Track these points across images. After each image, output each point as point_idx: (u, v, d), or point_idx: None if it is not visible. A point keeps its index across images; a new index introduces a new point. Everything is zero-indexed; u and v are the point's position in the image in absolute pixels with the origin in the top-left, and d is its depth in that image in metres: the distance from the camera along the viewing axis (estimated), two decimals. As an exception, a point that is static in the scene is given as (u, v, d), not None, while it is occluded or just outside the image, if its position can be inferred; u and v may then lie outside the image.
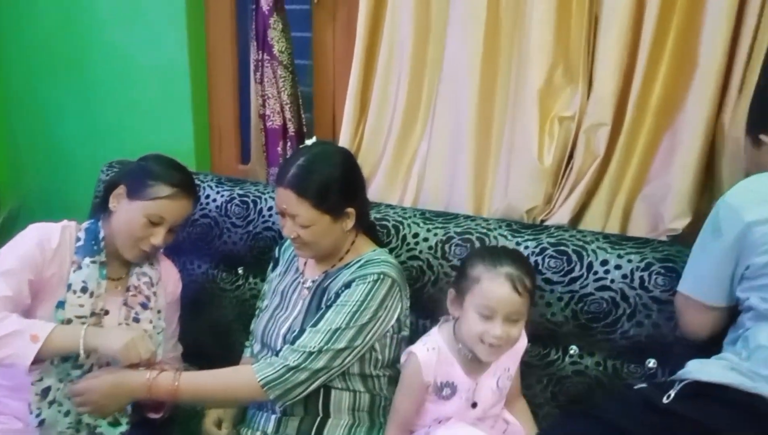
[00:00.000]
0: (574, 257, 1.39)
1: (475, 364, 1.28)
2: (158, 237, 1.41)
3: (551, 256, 1.41)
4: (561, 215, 1.52)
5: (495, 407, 1.32)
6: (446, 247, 1.50)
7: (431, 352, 1.27)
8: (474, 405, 1.28)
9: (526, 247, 1.43)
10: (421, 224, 1.56)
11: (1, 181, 2.50)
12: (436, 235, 1.52)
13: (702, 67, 1.37)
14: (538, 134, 1.49)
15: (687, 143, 1.40)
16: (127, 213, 1.41)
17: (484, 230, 1.49)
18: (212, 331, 1.84)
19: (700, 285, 1.22)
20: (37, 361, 1.24)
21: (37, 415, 1.31)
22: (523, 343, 1.34)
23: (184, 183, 1.46)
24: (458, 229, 1.51)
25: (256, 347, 1.48)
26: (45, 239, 1.37)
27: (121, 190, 1.43)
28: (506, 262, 1.21)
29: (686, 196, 1.43)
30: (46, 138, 2.52)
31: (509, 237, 1.46)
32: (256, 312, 1.59)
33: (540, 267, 1.41)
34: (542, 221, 1.55)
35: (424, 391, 1.28)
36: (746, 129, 1.29)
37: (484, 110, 1.58)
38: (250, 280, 1.80)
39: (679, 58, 1.39)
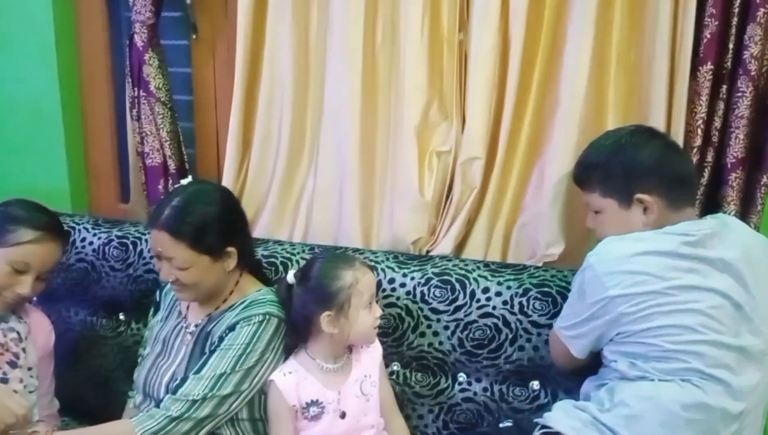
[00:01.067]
0: (458, 286, 1.44)
1: (334, 376, 1.32)
2: (25, 286, 1.33)
3: (436, 286, 1.45)
4: (444, 245, 1.57)
5: (366, 417, 1.33)
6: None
7: (289, 376, 1.29)
8: (343, 415, 1.30)
9: (413, 278, 1.47)
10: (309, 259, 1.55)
11: None
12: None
13: (563, 105, 1.48)
14: (417, 168, 1.54)
15: (555, 174, 1.49)
16: None
17: (372, 263, 1.50)
18: (92, 381, 1.74)
19: (569, 334, 1.26)
20: None
21: None
22: (378, 349, 1.39)
23: (50, 225, 1.38)
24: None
25: (138, 398, 1.41)
26: None
27: None
28: (350, 258, 1.36)
29: (558, 224, 1.51)
30: None
31: (396, 269, 1.49)
32: (139, 359, 1.52)
33: (426, 297, 1.45)
34: (428, 252, 1.59)
35: (292, 416, 1.29)
36: (603, 191, 1.28)
37: (366, 146, 1.60)
38: (132, 325, 1.72)
39: (544, 97, 1.49)
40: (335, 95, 1.60)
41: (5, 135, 2.10)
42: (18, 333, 1.40)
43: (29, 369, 1.40)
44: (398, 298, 1.47)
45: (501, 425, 1.31)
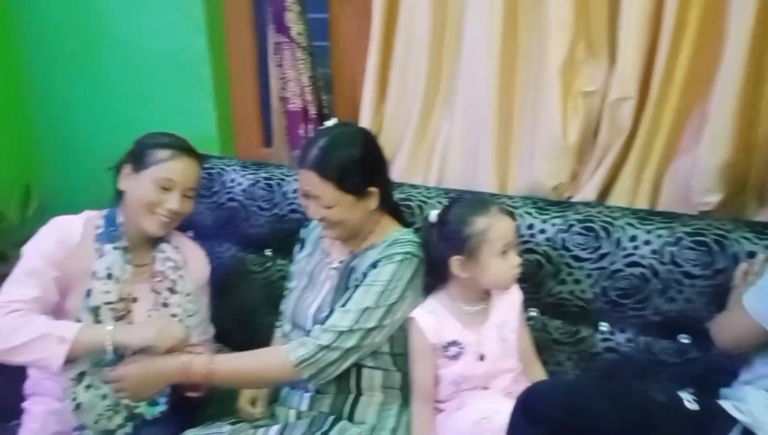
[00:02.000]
0: (602, 233, 1.38)
1: (473, 318, 1.33)
2: (173, 201, 1.42)
3: (579, 233, 1.40)
4: (588, 191, 1.51)
5: (505, 360, 1.34)
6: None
7: (429, 315, 1.32)
8: (481, 357, 1.31)
9: (553, 225, 1.43)
10: (446, 203, 1.55)
11: (31, 173, 2.54)
12: (463, 213, 1.52)
13: (730, 40, 1.34)
14: (560, 111, 1.48)
15: (718, 117, 1.37)
16: (137, 186, 1.42)
17: (510, 208, 1.47)
18: (242, 313, 1.85)
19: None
20: (68, 361, 1.27)
21: (74, 399, 1.35)
22: (518, 296, 1.39)
23: (182, 144, 1.47)
24: (482, 208, 1.51)
25: (287, 327, 1.50)
26: (66, 234, 1.40)
27: (127, 169, 1.45)
28: (489, 203, 1.31)
29: (718, 171, 1.40)
30: (70, 128, 2.54)
31: (535, 214, 1.46)
32: (285, 293, 1.61)
33: (567, 244, 1.41)
34: (569, 198, 1.54)
35: (432, 354, 1.31)
36: None
37: (505, 88, 1.56)
38: (278, 261, 1.81)
39: (706, 31, 1.37)
40: (474, 37, 1.56)
41: (154, 85, 2.24)
42: (175, 262, 1.51)
43: (187, 295, 1.51)
44: (537, 245, 1.44)
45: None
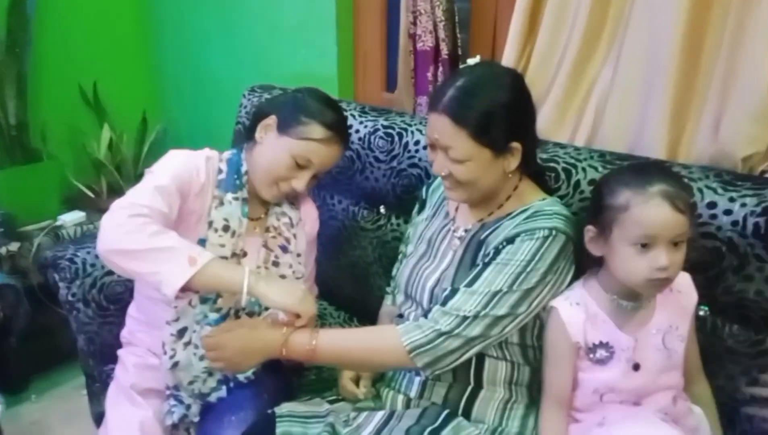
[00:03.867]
0: (812, 221, 1.07)
1: (631, 318, 1.08)
2: (301, 181, 1.28)
3: (778, 219, 1.09)
4: (791, 166, 1.18)
5: (666, 374, 1.08)
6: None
7: (575, 308, 1.08)
8: (636, 367, 1.06)
9: (743, 205, 1.12)
10: (600, 169, 1.28)
11: (148, 105, 2.52)
12: (619, 183, 1.25)
13: None
14: (770, 59, 1.15)
15: None
16: (273, 148, 1.27)
17: (685, 180, 1.18)
18: (350, 271, 1.73)
19: None
20: (185, 289, 1.10)
21: (171, 356, 1.25)
22: (693, 297, 1.12)
23: (339, 127, 1.30)
24: (649, 177, 1.22)
25: (399, 298, 1.32)
26: (194, 169, 1.26)
27: (272, 120, 1.29)
28: (656, 179, 1.01)
29: None
30: (190, 62, 2.51)
31: (719, 190, 1.15)
32: (399, 257, 1.43)
33: (762, 231, 1.10)
34: (763, 172, 1.22)
35: (573, 354, 1.08)
36: None
37: (694, 30, 1.24)
38: (392, 220, 1.64)
39: None
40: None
41: (280, 18, 2.13)
42: (290, 218, 1.39)
43: (298, 255, 1.39)
44: (719, 229, 1.14)
45: None
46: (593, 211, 1.07)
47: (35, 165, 2.17)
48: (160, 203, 1.16)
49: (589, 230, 1.07)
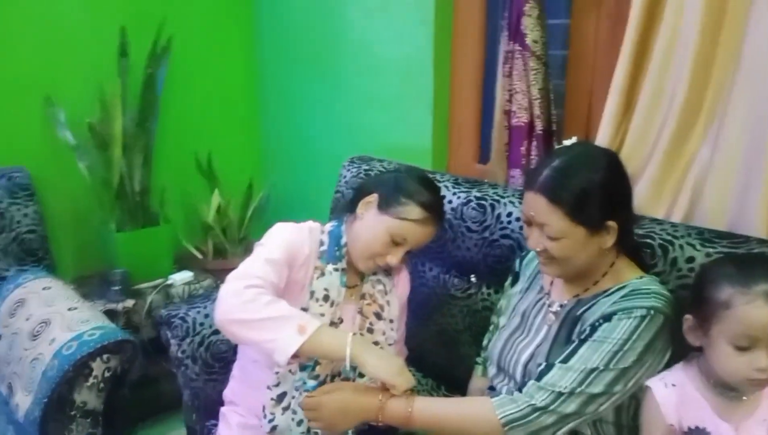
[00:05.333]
0: None
1: (731, 407, 1.04)
2: (396, 257, 1.33)
3: None
4: None
5: None
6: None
7: (670, 389, 1.06)
8: None
9: None
10: (698, 247, 1.26)
11: (254, 173, 2.69)
12: (718, 261, 1.22)
13: None
14: None
15: None
16: (372, 225, 1.34)
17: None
18: (439, 338, 1.74)
19: None
20: (295, 356, 1.15)
21: (270, 420, 1.30)
22: None
23: (436, 208, 1.36)
24: (750, 257, 1.19)
25: (491, 370, 1.33)
26: (299, 243, 1.34)
27: (373, 198, 1.36)
28: (761, 276, 0.97)
29: None
30: (293, 134, 2.67)
31: (827, 273, 1.11)
32: (491, 327, 1.45)
33: None
34: None
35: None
36: None
37: (796, 109, 1.23)
38: (483, 289, 1.66)
39: None
40: (759, 43, 1.25)
41: (379, 92, 2.24)
42: (384, 285, 1.44)
43: (391, 321, 1.43)
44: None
45: None
46: (693, 300, 1.06)
47: (153, 228, 2.36)
48: (271, 274, 1.24)
49: (688, 320, 1.05)
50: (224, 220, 2.51)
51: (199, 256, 2.52)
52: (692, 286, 1.10)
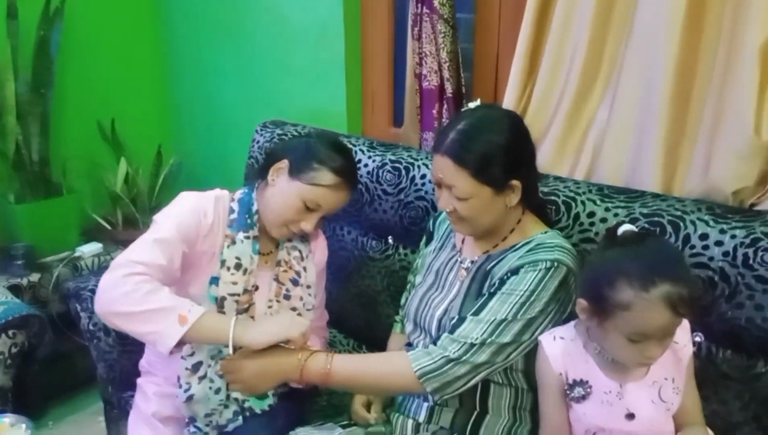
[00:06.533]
0: (797, 252, 1.13)
1: (618, 368, 1.09)
2: (310, 223, 1.34)
3: (767, 249, 1.15)
4: (778, 199, 1.25)
5: (662, 425, 1.11)
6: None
7: (557, 341, 1.13)
8: (630, 416, 1.08)
9: (733, 237, 1.19)
10: (599, 202, 1.35)
11: (163, 140, 2.60)
12: (616, 215, 1.31)
13: None
14: (756, 101, 1.22)
15: None
16: (284, 191, 1.33)
17: (678, 213, 1.25)
18: (359, 300, 1.79)
19: None
20: (180, 343, 1.16)
21: (186, 390, 1.30)
22: (689, 349, 1.13)
23: (348, 172, 1.36)
24: (645, 210, 1.29)
25: (408, 326, 1.38)
26: (201, 212, 1.32)
27: (284, 164, 1.35)
28: (661, 278, 0.96)
29: None
30: (204, 99, 2.59)
31: (711, 223, 1.22)
32: (407, 286, 1.50)
33: (752, 261, 1.16)
34: (752, 205, 1.29)
35: (560, 387, 1.12)
36: None
37: (684, 71, 1.32)
38: (400, 250, 1.71)
39: None
40: (650, 10, 1.33)
41: (291, 57, 2.21)
42: (300, 251, 1.44)
43: (308, 287, 1.44)
44: (711, 259, 1.20)
45: None
46: (589, 291, 1.05)
47: (56, 199, 2.25)
48: (158, 257, 1.22)
49: (581, 304, 1.06)
50: (133, 190, 2.42)
51: (108, 227, 2.42)
52: (587, 277, 1.08)
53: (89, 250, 2.27)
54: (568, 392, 1.12)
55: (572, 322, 1.16)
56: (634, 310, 0.97)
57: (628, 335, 1.00)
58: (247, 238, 1.34)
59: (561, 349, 1.12)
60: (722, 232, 1.20)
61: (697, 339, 1.24)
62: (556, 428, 1.15)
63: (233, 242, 1.33)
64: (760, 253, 1.16)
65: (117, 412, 1.68)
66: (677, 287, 0.97)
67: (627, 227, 1.07)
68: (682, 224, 1.24)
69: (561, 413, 1.14)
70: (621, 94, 1.41)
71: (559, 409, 1.14)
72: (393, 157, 1.70)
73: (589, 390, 1.10)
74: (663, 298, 0.96)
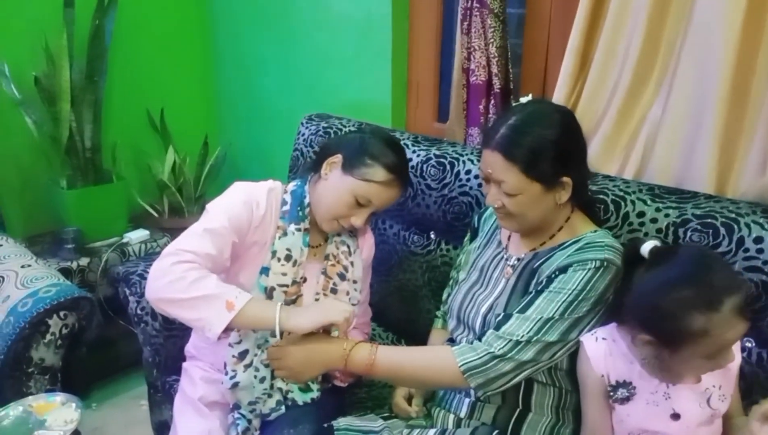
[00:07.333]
0: None
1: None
2: (360, 219, 1.34)
3: (824, 255, 1.12)
4: (839, 204, 1.20)
5: (707, 426, 1.09)
6: (681, 231, 1.26)
7: (600, 342, 1.11)
8: (676, 417, 1.07)
9: (791, 242, 1.15)
10: (649, 202, 1.33)
11: (210, 130, 2.64)
12: (668, 215, 1.28)
13: None
14: (818, 99, 1.18)
15: None
16: (337, 186, 1.33)
17: (732, 215, 1.22)
18: (400, 294, 1.79)
19: None
20: (227, 329, 1.18)
21: (232, 377, 1.31)
22: (737, 358, 1.12)
23: (400, 170, 1.35)
24: (697, 211, 1.26)
25: (452, 323, 1.37)
26: (254, 203, 1.33)
27: (337, 159, 1.35)
28: (724, 293, 0.96)
29: None
30: (249, 90, 2.62)
31: (766, 226, 1.19)
32: (450, 282, 1.49)
33: (807, 267, 1.13)
34: (811, 209, 1.25)
35: (602, 388, 1.11)
36: None
37: (742, 68, 1.28)
38: (442, 246, 1.70)
39: None
40: (708, 4, 1.29)
41: (337, 50, 2.21)
42: (348, 246, 1.45)
43: (354, 282, 1.44)
44: (765, 263, 1.17)
45: None
46: (654, 327, 1.01)
47: (105, 186, 2.30)
48: (208, 246, 1.24)
49: (644, 338, 1.03)
50: (180, 178, 2.47)
51: (155, 214, 2.48)
52: (647, 315, 1.03)
53: (136, 236, 2.32)
54: (611, 394, 1.10)
55: (613, 324, 1.14)
56: (713, 333, 0.96)
57: (705, 355, 1.00)
58: (299, 230, 1.35)
59: (603, 351, 1.11)
60: (779, 234, 1.17)
61: (748, 344, 1.21)
62: (598, 430, 1.13)
63: (285, 234, 1.34)
64: (817, 259, 1.12)
65: (161, 396, 1.71)
66: (740, 294, 0.98)
67: (652, 243, 1.06)
68: (736, 227, 1.20)
69: (603, 415, 1.13)
70: (675, 91, 1.38)
71: (602, 410, 1.12)
72: (438, 152, 1.69)
73: (633, 391, 1.09)
74: (733, 310, 0.96)
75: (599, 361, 1.10)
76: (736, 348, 1.10)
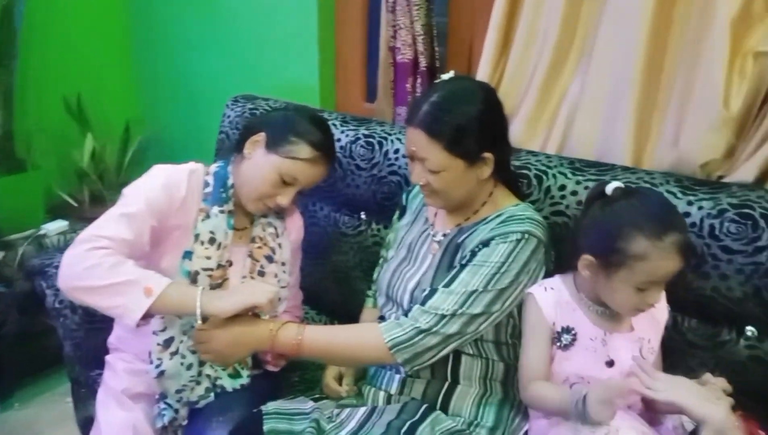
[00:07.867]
0: (762, 223, 1.15)
1: (603, 319, 1.14)
2: (286, 197, 1.31)
3: (732, 220, 1.17)
4: (745, 172, 1.26)
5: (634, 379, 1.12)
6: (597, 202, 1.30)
7: (549, 292, 1.16)
8: (610, 363, 1.11)
9: (700, 208, 1.20)
10: (570, 175, 1.36)
11: (131, 115, 2.55)
12: (587, 188, 1.32)
13: None
14: (725, 73, 1.23)
15: None
16: (260, 165, 1.30)
17: (648, 185, 1.26)
18: (332, 276, 1.78)
19: None
20: (147, 316, 1.15)
21: (157, 366, 1.28)
22: (665, 313, 1.19)
23: (327, 147, 1.33)
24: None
25: (381, 300, 1.38)
26: (174, 186, 1.28)
27: (261, 137, 1.32)
28: (671, 227, 1.04)
29: None
30: (174, 73, 2.54)
31: (679, 194, 1.23)
32: (380, 261, 1.49)
33: (717, 232, 1.18)
34: (720, 177, 1.31)
35: (549, 335, 1.15)
36: None
37: (657, 44, 1.33)
38: (373, 226, 1.70)
39: None
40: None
41: (265, 32, 2.17)
42: (275, 228, 1.42)
43: (283, 264, 1.42)
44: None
45: None
46: (597, 245, 1.08)
47: (20, 175, 2.19)
48: (124, 231, 1.19)
49: (587, 259, 1.09)
50: (100, 166, 2.37)
51: (75, 204, 2.37)
52: (597, 233, 1.09)
53: (54, 227, 2.22)
54: (556, 341, 1.14)
55: (557, 275, 1.19)
56: (650, 259, 1.02)
57: (637, 284, 1.05)
58: (222, 212, 1.31)
59: (552, 300, 1.15)
60: (690, 203, 1.22)
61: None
62: (541, 376, 1.15)
63: (207, 216, 1.30)
64: (725, 224, 1.18)
65: (85, 392, 1.65)
66: (684, 235, 1.06)
67: (616, 184, 1.10)
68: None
69: (547, 362, 1.15)
70: (593, 68, 1.41)
71: (546, 357, 1.15)
72: (366, 132, 1.68)
73: (575, 337, 1.13)
74: (675, 245, 1.02)
75: (550, 310, 1.14)
76: (663, 303, 1.17)
